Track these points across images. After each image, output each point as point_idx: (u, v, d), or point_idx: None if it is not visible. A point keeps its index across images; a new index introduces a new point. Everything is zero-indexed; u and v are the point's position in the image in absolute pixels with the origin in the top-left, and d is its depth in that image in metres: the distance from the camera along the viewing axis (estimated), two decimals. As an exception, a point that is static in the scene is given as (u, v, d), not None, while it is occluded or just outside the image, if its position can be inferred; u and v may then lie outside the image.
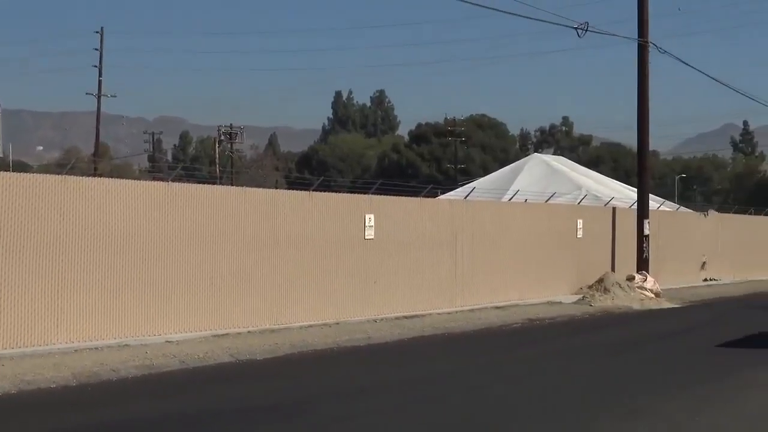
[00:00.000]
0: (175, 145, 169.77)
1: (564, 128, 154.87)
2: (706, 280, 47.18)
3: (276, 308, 24.48)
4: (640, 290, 36.20)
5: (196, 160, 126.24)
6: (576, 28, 36.53)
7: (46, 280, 19.81)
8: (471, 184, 54.25)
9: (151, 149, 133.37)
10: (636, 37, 37.73)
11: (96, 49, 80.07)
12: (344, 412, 14.87)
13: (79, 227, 20.50)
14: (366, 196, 29.64)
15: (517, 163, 65.43)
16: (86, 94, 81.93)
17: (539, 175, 55.10)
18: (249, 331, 23.03)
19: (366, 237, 27.33)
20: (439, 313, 28.58)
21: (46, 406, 15.23)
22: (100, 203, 21.05)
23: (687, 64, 47.99)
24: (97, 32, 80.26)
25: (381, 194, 30.51)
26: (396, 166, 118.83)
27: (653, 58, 38.01)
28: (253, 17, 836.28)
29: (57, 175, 21.74)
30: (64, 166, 44.98)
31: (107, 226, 21.03)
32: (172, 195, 23.07)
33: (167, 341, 20.90)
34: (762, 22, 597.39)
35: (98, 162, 78.38)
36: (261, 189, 31.19)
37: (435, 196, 40.59)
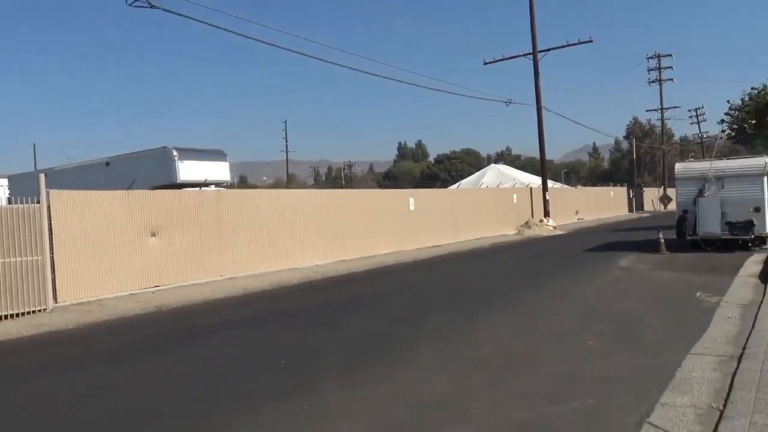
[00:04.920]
0: (325, 173, 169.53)
1: (507, 151, 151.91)
2: (578, 220, 45.62)
3: (368, 246, 23.73)
4: (546, 226, 34.92)
5: (335, 179, 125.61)
6: (505, 102, 35.61)
7: (246, 242, 19.36)
8: (462, 181, 53.54)
9: (314, 175, 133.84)
10: (534, 103, 36.35)
11: (283, 128, 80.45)
12: (395, 301, 14.19)
13: (259, 215, 20.04)
14: (410, 189, 28.88)
15: (483, 170, 63.82)
16: (281, 151, 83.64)
17: (495, 175, 53.80)
18: (356, 258, 22.42)
19: (410, 209, 26.57)
20: (449, 243, 27.69)
21: (259, 298, 14.74)
22: (273, 202, 20.55)
23: (561, 116, 46.79)
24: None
25: (418, 188, 29.69)
26: (428, 175, 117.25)
27: (545, 113, 36.63)
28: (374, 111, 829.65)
29: (272, 189, 21.25)
30: (275, 185, 44.49)
31: (271, 213, 20.53)
32: (323, 195, 22.57)
33: (316, 265, 20.39)
34: (606, 87, 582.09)
35: (290, 184, 78.73)
36: (365, 189, 30.60)
37: (444, 187, 39.70)
